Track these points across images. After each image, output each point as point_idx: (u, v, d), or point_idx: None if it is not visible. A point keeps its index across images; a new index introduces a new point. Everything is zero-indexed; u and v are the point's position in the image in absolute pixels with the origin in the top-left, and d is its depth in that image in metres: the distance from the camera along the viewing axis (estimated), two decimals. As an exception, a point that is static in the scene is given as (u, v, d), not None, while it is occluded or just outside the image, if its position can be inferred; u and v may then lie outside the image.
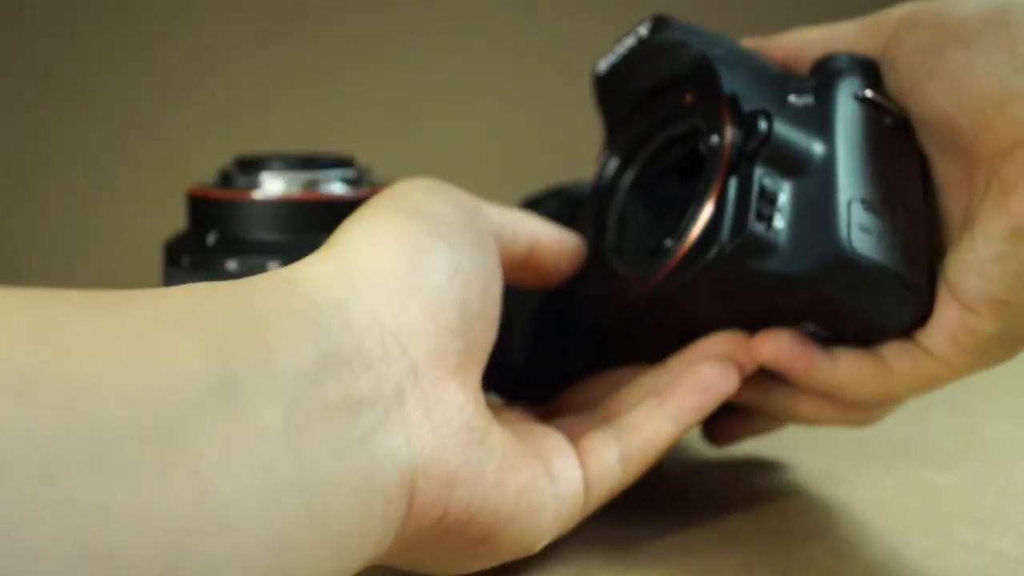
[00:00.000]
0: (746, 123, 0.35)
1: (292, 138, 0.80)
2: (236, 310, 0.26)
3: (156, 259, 0.44)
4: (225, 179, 0.43)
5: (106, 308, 0.23)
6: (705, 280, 0.35)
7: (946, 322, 0.34)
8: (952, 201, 0.36)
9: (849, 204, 0.34)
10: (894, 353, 0.36)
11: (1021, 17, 0.33)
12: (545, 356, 0.44)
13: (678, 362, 0.37)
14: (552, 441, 0.34)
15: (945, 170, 0.36)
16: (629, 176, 0.42)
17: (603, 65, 0.41)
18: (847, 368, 0.36)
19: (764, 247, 0.34)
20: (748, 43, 0.41)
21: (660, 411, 0.35)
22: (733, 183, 0.35)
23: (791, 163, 0.35)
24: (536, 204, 0.47)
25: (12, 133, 0.79)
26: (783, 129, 0.35)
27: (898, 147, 0.36)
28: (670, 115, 0.40)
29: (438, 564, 0.32)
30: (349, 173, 0.43)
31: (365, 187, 0.43)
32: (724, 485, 0.43)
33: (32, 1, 0.80)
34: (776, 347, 0.36)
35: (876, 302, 0.35)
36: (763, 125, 0.35)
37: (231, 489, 0.23)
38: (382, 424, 0.27)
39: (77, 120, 0.80)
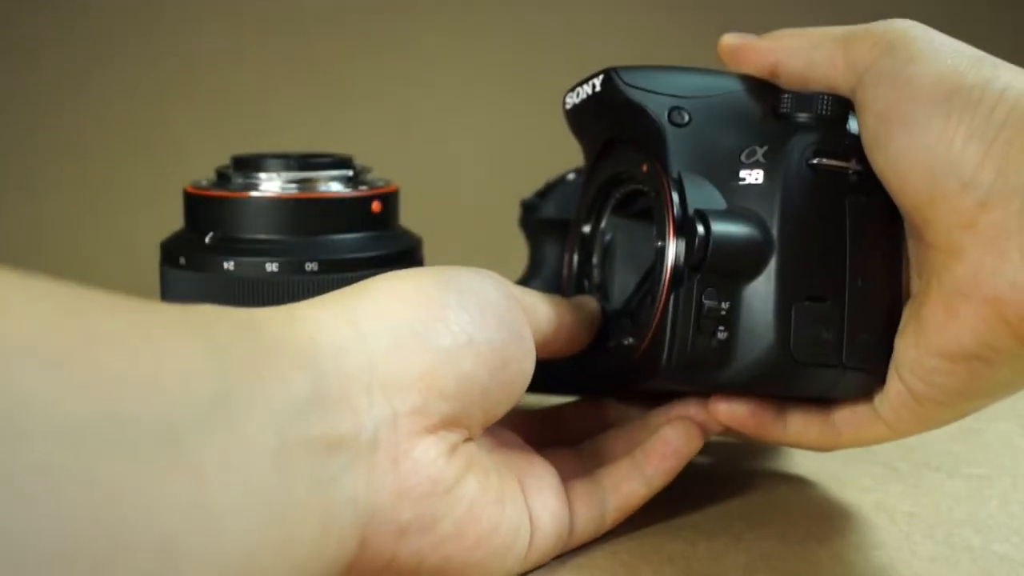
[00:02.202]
0: (686, 228, 0.35)
1: (290, 138, 0.79)
2: (242, 337, 0.28)
3: (153, 258, 0.44)
4: (222, 179, 0.43)
5: (129, 309, 0.25)
6: (658, 382, 0.37)
7: (893, 396, 0.36)
8: (911, 258, 0.36)
9: (791, 308, 0.35)
10: (843, 417, 0.38)
11: (966, 101, 0.32)
12: (560, 375, 0.45)
13: (657, 420, 0.40)
14: (547, 479, 0.36)
15: (906, 227, 0.36)
16: (603, 219, 0.42)
17: (568, 103, 0.41)
18: (796, 431, 0.39)
19: (706, 362, 0.35)
20: (727, 42, 0.39)
21: (636, 474, 0.38)
22: (676, 296, 0.35)
23: (733, 270, 0.35)
24: (548, 194, 0.47)
25: (9, 132, 0.79)
26: (723, 236, 0.34)
27: (859, 210, 0.36)
28: (629, 175, 0.40)
29: None
30: (347, 173, 0.43)
31: (363, 187, 0.43)
32: (728, 488, 0.43)
33: (29, 2, 0.80)
34: (730, 411, 0.38)
35: (822, 389, 0.37)
36: (700, 231, 0.34)
37: (223, 497, 0.24)
38: (351, 467, 0.29)
39: (74, 119, 0.80)
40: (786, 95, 0.37)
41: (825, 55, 0.37)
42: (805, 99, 0.36)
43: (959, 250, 0.32)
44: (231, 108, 0.83)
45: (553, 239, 0.47)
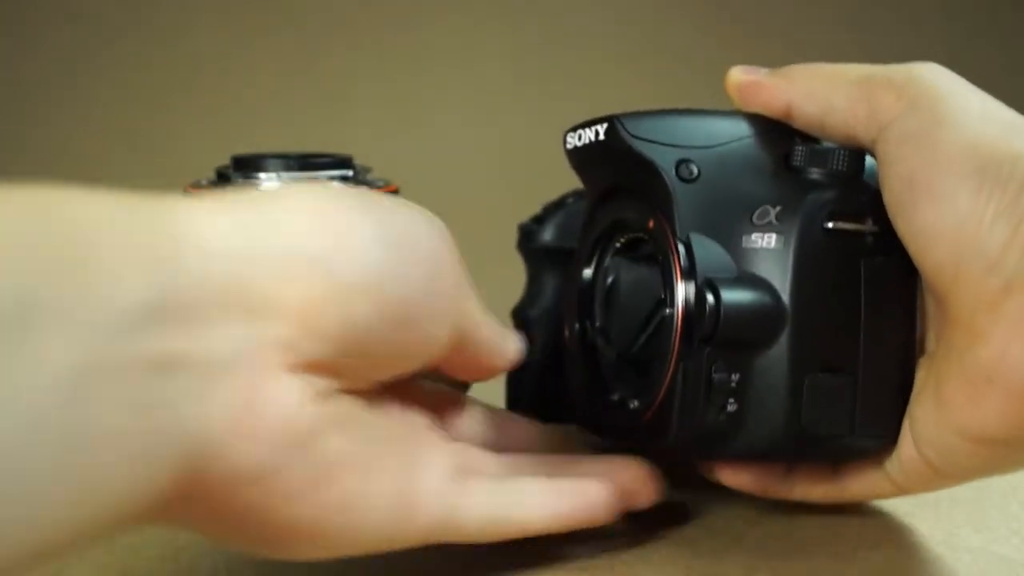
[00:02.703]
0: (696, 297, 0.34)
1: (291, 137, 0.79)
2: (59, 231, 0.24)
3: (152, 259, 0.44)
4: (222, 178, 0.43)
5: None
6: (664, 449, 0.36)
7: (907, 462, 0.36)
8: (928, 312, 0.36)
9: (804, 380, 0.34)
10: (851, 476, 0.38)
11: (996, 177, 0.31)
12: (553, 406, 0.45)
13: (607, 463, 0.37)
14: (443, 463, 0.32)
15: (924, 285, 0.35)
16: (606, 261, 0.41)
17: (569, 144, 0.40)
18: (802, 490, 0.39)
19: (714, 434, 0.35)
20: (735, 79, 0.37)
21: (551, 497, 0.34)
22: (685, 369, 0.34)
23: (744, 341, 0.34)
24: (545, 220, 0.47)
25: (8, 132, 0.78)
26: (734, 307, 0.33)
27: (874, 272, 0.35)
28: (634, 224, 0.38)
29: (227, 540, 0.30)
30: (346, 172, 0.43)
31: (363, 187, 0.43)
32: (728, 490, 0.43)
33: (29, 3, 0.80)
34: (735, 478, 0.39)
35: (830, 457, 0.37)
36: (711, 302, 0.33)
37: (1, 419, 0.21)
38: (187, 392, 0.25)
39: (74, 119, 0.79)
40: (799, 148, 0.36)
41: (845, 102, 0.35)
42: (819, 155, 0.35)
43: (983, 332, 0.32)
44: (231, 108, 0.83)
45: (551, 266, 0.46)
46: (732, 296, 0.33)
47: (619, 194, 0.39)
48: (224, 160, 0.44)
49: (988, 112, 0.33)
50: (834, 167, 0.35)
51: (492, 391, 0.50)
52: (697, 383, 0.34)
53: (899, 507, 0.41)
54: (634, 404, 0.37)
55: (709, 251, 0.35)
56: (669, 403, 0.35)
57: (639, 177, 0.37)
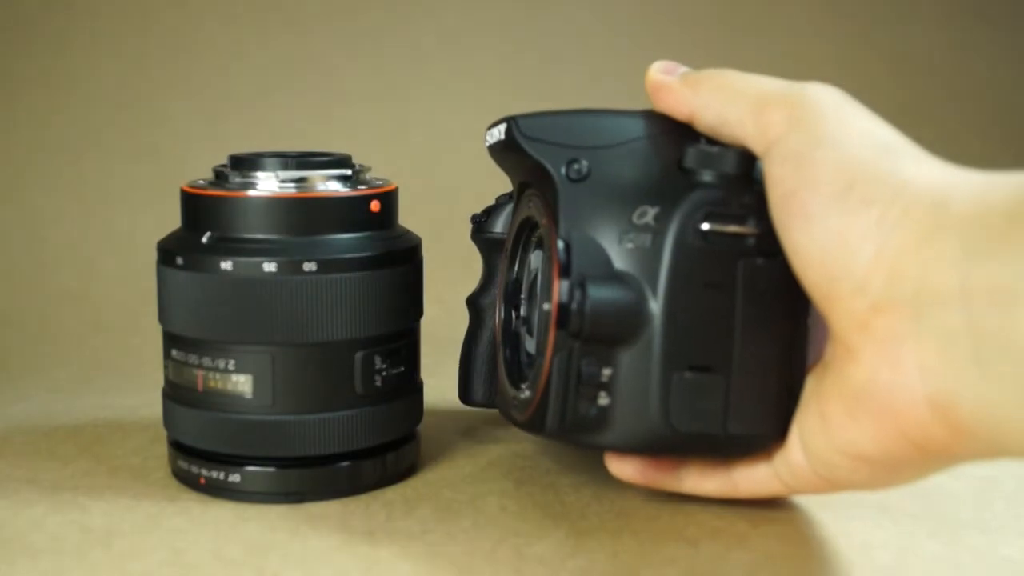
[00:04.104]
0: (568, 293, 0.35)
1: (288, 137, 0.79)
2: None
3: (151, 258, 0.44)
4: (220, 178, 0.43)
5: None
6: (545, 439, 0.38)
7: (795, 466, 0.36)
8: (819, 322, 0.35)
9: (671, 378, 0.35)
10: (741, 472, 0.38)
11: (862, 198, 0.31)
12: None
13: None
14: None
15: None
16: (530, 253, 0.42)
17: (486, 142, 0.41)
18: (692, 484, 0.40)
19: (587, 426, 0.36)
20: (652, 78, 0.38)
21: None
22: (559, 362, 0.35)
23: (611, 338, 0.35)
24: (494, 211, 0.48)
25: (7, 132, 0.78)
26: (600, 304, 0.34)
27: (754, 274, 0.35)
28: (535, 224, 0.40)
29: None
30: (345, 172, 0.43)
31: (361, 186, 0.43)
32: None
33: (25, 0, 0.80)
34: (619, 469, 0.40)
35: (705, 452, 0.38)
36: (578, 298, 0.34)
37: None
38: None
39: (71, 117, 0.79)
40: (690, 150, 0.36)
41: (736, 116, 0.35)
42: (707, 156, 0.36)
43: (856, 352, 0.32)
44: (229, 107, 0.82)
45: (501, 254, 0.47)
46: (598, 294, 0.34)
47: (529, 191, 0.40)
48: (222, 159, 0.44)
49: (867, 133, 0.33)
50: (724, 169, 0.36)
51: (447, 376, 0.50)
52: (568, 376, 0.35)
53: (904, 507, 0.41)
54: (526, 394, 0.38)
55: (587, 250, 0.35)
56: (546, 394, 0.36)
57: (535, 176, 0.38)
